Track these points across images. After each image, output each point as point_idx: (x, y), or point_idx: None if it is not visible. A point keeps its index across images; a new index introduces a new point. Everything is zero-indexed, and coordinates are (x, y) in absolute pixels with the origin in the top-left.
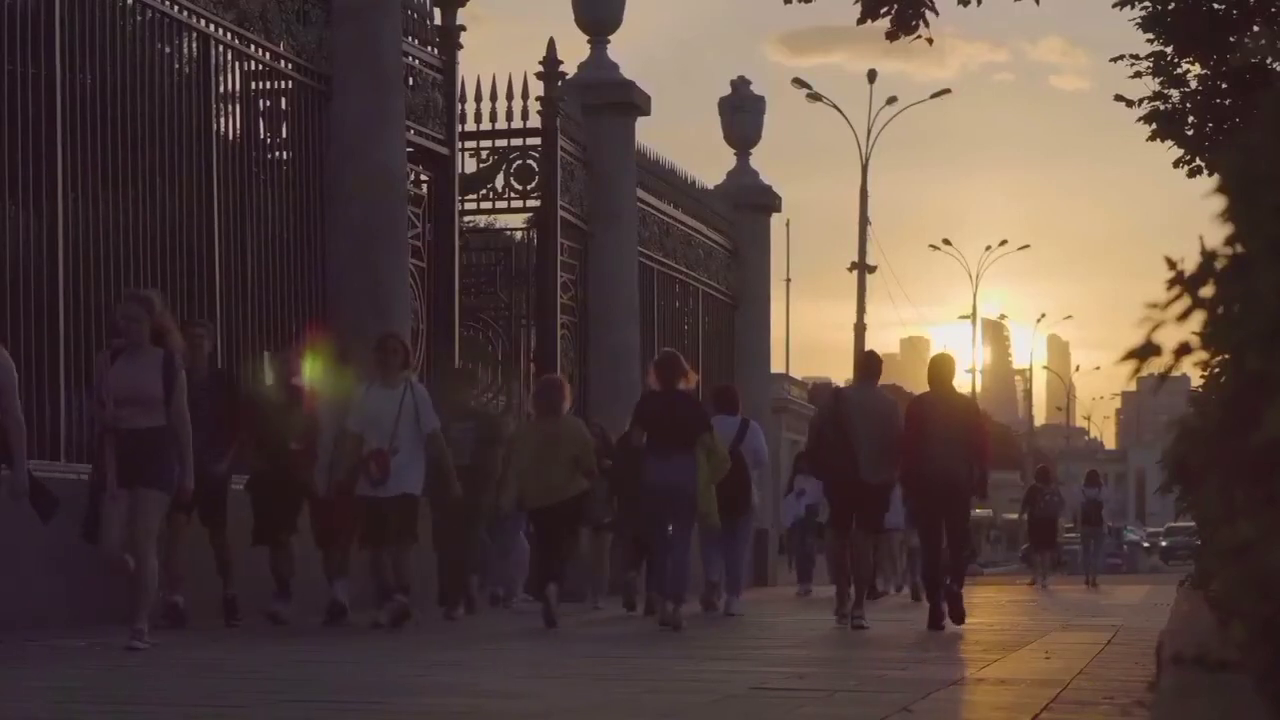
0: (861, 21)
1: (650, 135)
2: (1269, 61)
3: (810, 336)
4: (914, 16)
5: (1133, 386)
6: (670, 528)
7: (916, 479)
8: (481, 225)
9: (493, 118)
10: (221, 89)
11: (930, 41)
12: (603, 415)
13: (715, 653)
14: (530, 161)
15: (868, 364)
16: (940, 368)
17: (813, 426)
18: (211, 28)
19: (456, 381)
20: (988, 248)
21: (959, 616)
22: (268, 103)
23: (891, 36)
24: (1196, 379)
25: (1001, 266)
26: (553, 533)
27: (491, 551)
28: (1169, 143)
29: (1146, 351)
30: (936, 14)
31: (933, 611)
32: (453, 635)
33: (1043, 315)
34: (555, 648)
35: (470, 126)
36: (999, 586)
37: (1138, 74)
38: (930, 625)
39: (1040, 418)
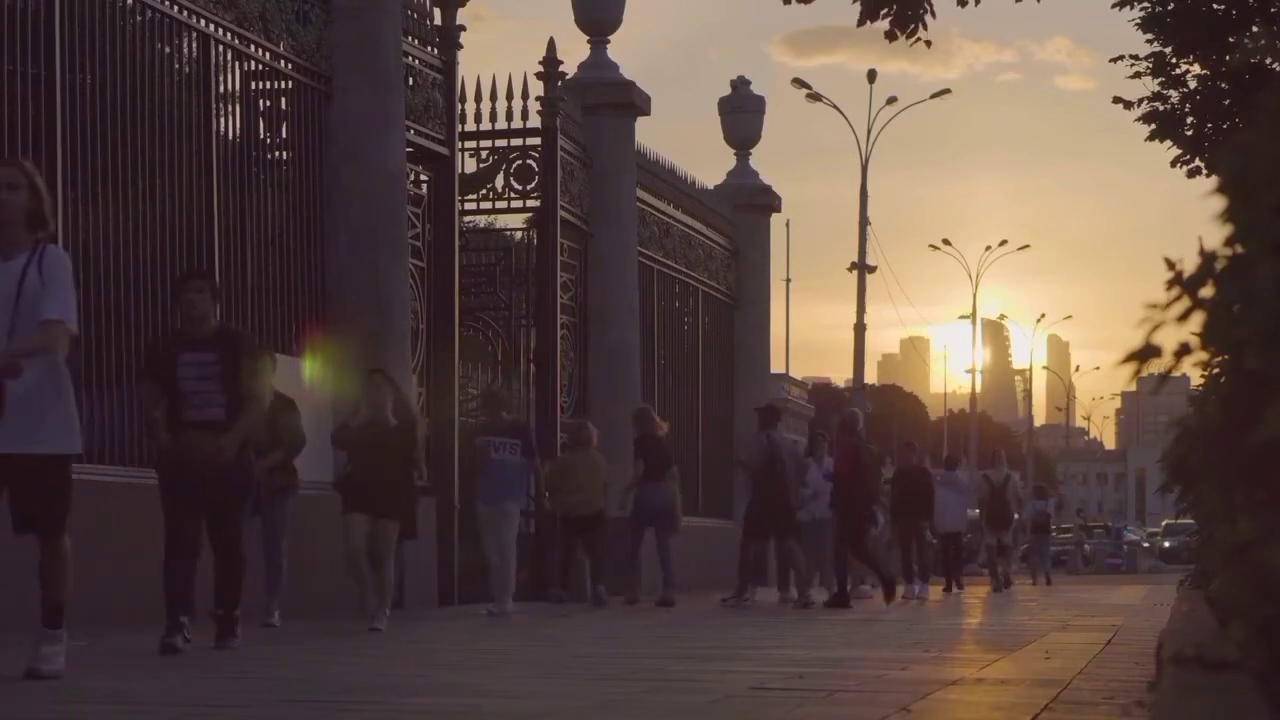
0: (861, 23)
1: (650, 135)
2: (1269, 61)
3: (810, 336)
4: (913, 18)
5: (1133, 387)
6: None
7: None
8: (481, 225)
9: (493, 118)
10: (221, 89)
11: (929, 44)
12: (602, 415)
13: (715, 653)
14: (530, 161)
15: (774, 412)
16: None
17: (757, 464)
18: (211, 28)
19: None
20: (988, 248)
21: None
22: (268, 103)
23: (891, 37)
24: (1196, 379)
25: (1001, 266)
26: (587, 534)
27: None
28: (1168, 143)
29: (1147, 353)
30: (934, 16)
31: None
32: (453, 636)
33: (1043, 315)
34: (555, 648)
35: (470, 126)
36: (973, 586)
37: (1137, 74)
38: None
39: (1040, 418)
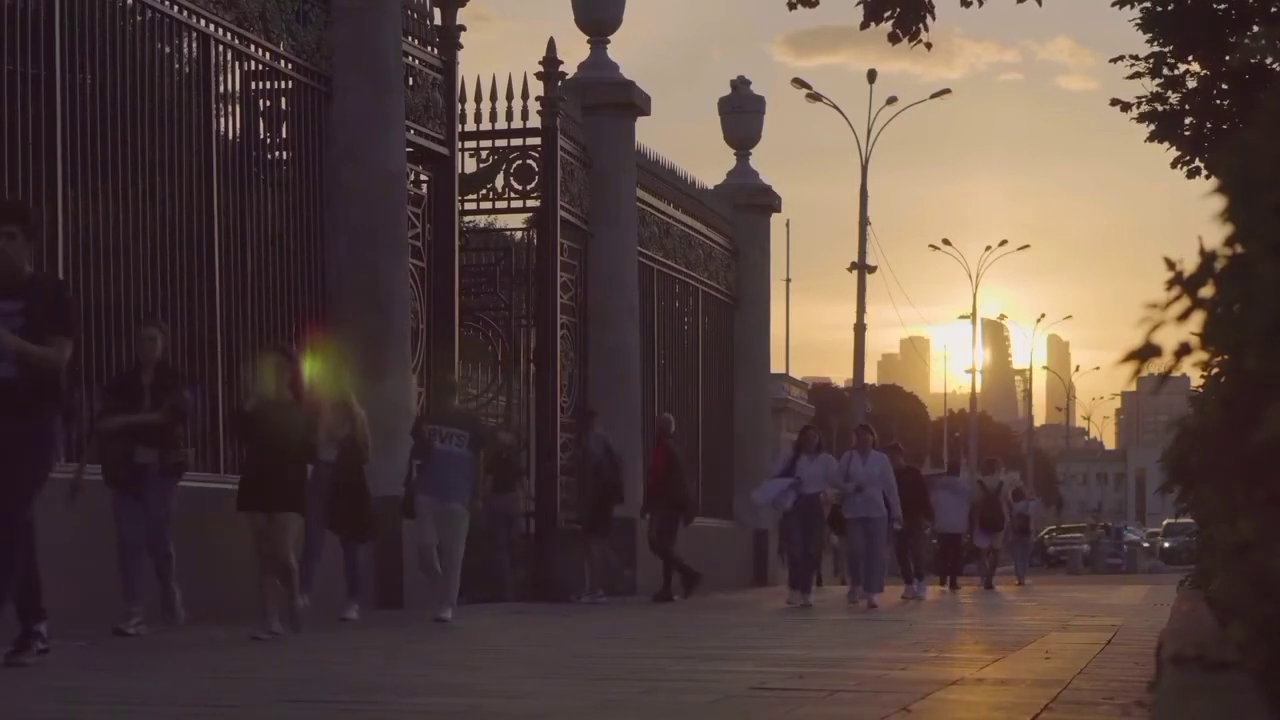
0: (865, 25)
1: (650, 135)
2: (1269, 61)
3: (810, 336)
4: (915, 20)
5: (1133, 386)
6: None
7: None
8: (481, 225)
9: (493, 118)
10: (221, 89)
11: (929, 46)
12: (602, 415)
13: (715, 653)
14: (530, 161)
15: (592, 413)
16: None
17: (602, 461)
18: (211, 28)
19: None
20: (988, 248)
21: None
22: (268, 103)
23: (894, 40)
24: (1196, 379)
25: (1001, 266)
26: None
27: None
28: (1167, 144)
29: (1147, 353)
30: (934, 19)
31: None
32: (453, 636)
33: (1043, 315)
34: (555, 648)
35: (470, 126)
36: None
37: (1136, 74)
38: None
39: (1040, 418)
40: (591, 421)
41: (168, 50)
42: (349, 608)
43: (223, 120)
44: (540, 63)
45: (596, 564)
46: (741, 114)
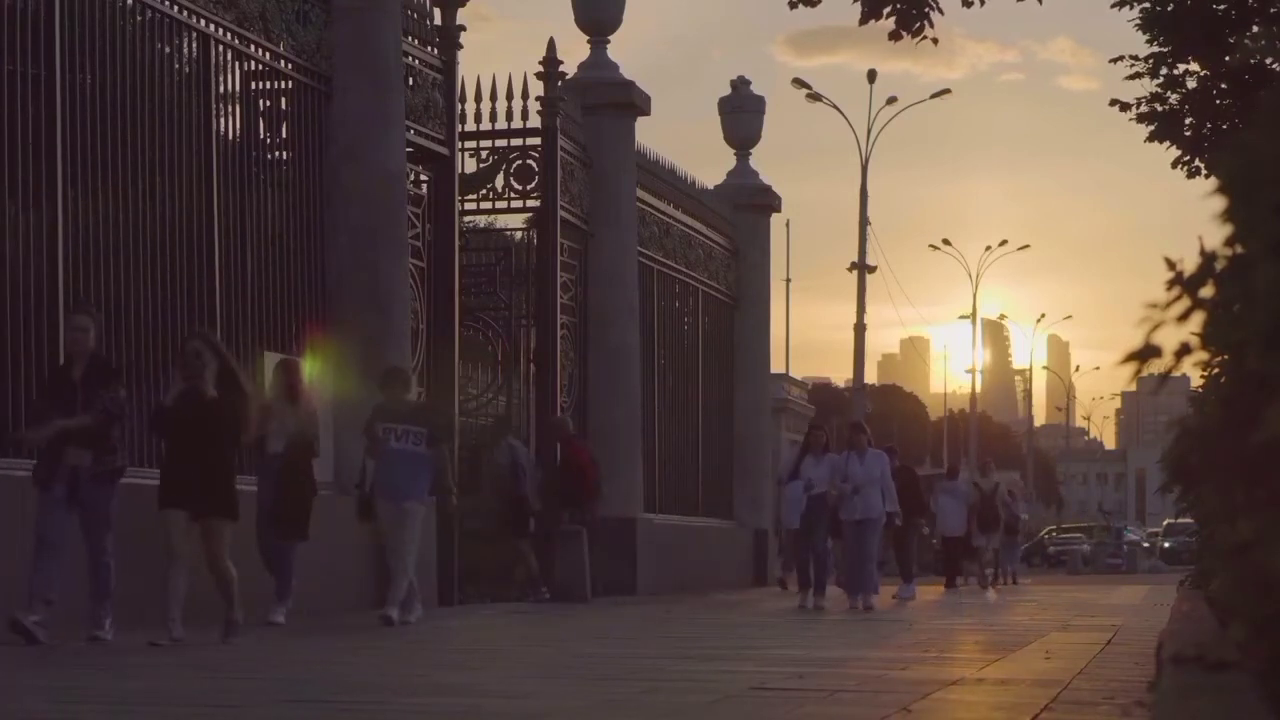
0: (863, 22)
1: (650, 135)
2: (1269, 61)
3: (810, 336)
4: (917, 17)
5: (1133, 386)
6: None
7: None
8: (481, 225)
9: (493, 118)
10: (221, 89)
11: (935, 42)
12: (602, 415)
13: (715, 653)
14: (530, 161)
15: (507, 423)
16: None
17: (503, 470)
18: (211, 28)
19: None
20: (988, 248)
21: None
22: (268, 103)
23: (894, 37)
24: (1196, 379)
25: (1001, 266)
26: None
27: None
28: (1168, 144)
29: (1147, 353)
30: (941, 13)
31: None
32: (453, 636)
33: (1043, 315)
34: (555, 648)
35: (470, 126)
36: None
37: (1136, 75)
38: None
39: (1040, 418)
40: (503, 429)
41: (168, 50)
42: (276, 610)
43: (223, 120)
44: (540, 63)
45: (521, 569)
46: (741, 114)
